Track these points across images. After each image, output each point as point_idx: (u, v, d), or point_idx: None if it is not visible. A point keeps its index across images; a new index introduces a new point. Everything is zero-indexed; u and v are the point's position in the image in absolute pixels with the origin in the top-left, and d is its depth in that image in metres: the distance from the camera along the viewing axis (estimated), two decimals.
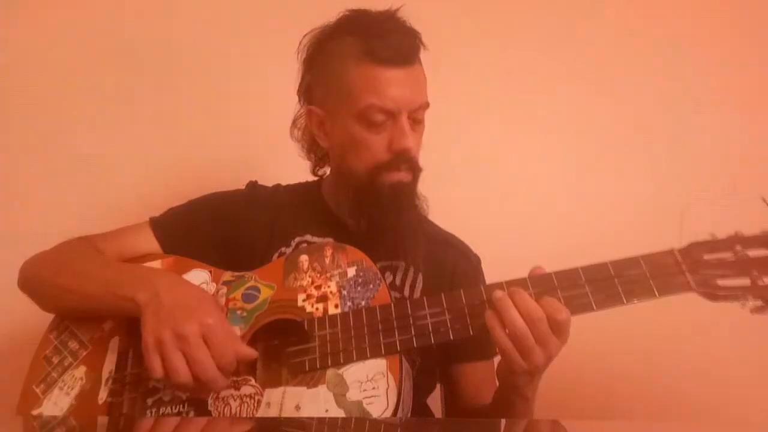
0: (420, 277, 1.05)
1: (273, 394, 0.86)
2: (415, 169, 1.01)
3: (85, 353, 0.96)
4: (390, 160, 0.98)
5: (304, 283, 0.94)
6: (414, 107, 0.98)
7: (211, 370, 0.81)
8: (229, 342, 0.84)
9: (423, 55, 1.02)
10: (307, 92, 1.08)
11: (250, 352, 0.86)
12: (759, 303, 0.80)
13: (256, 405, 0.86)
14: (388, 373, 0.84)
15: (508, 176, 1.48)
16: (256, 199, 1.12)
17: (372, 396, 0.82)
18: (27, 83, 1.53)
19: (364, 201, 1.00)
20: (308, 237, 1.06)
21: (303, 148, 1.14)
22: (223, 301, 0.95)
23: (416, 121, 1.00)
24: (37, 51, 1.54)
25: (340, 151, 1.03)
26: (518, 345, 0.80)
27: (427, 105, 1.01)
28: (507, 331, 0.80)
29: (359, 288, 0.92)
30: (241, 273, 0.99)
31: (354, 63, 0.97)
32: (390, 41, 0.96)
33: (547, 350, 0.80)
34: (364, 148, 0.98)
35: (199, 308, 0.85)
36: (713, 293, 0.81)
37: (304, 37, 1.07)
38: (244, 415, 0.85)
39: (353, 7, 1.03)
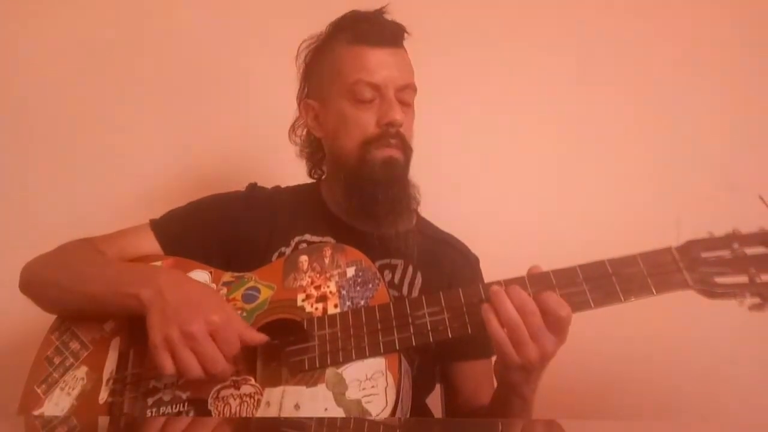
0: (419, 276, 1.05)
1: (272, 394, 0.87)
2: (405, 148, 1.03)
3: (86, 354, 0.96)
4: (379, 134, 1.01)
5: (304, 283, 0.95)
6: (400, 84, 1.02)
7: (221, 364, 0.84)
8: (235, 334, 0.86)
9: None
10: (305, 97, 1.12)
11: (261, 337, 0.88)
12: (757, 300, 0.80)
13: (255, 404, 0.86)
14: (387, 371, 0.84)
15: (507, 176, 1.47)
16: (255, 200, 1.12)
17: (371, 394, 0.83)
18: (28, 85, 1.54)
19: (357, 178, 1.02)
20: (307, 237, 1.06)
21: (302, 152, 1.16)
22: None
23: (404, 104, 1.03)
24: (39, 52, 1.54)
25: (333, 133, 1.06)
26: (512, 336, 0.80)
27: (414, 88, 1.05)
28: (502, 323, 0.81)
29: (358, 288, 0.92)
30: (241, 274, 0.99)
31: (344, 47, 1.04)
32: (376, 25, 1.04)
33: (540, 346, 0.80)
34: (353, 125, 1.02)
35: (204, 305, 0.87)
36: (711, 291, 0.81)
37: (300, 44, 1.11)
38: (244, 415, 0.86)
39: (349, 6, 1.07)
